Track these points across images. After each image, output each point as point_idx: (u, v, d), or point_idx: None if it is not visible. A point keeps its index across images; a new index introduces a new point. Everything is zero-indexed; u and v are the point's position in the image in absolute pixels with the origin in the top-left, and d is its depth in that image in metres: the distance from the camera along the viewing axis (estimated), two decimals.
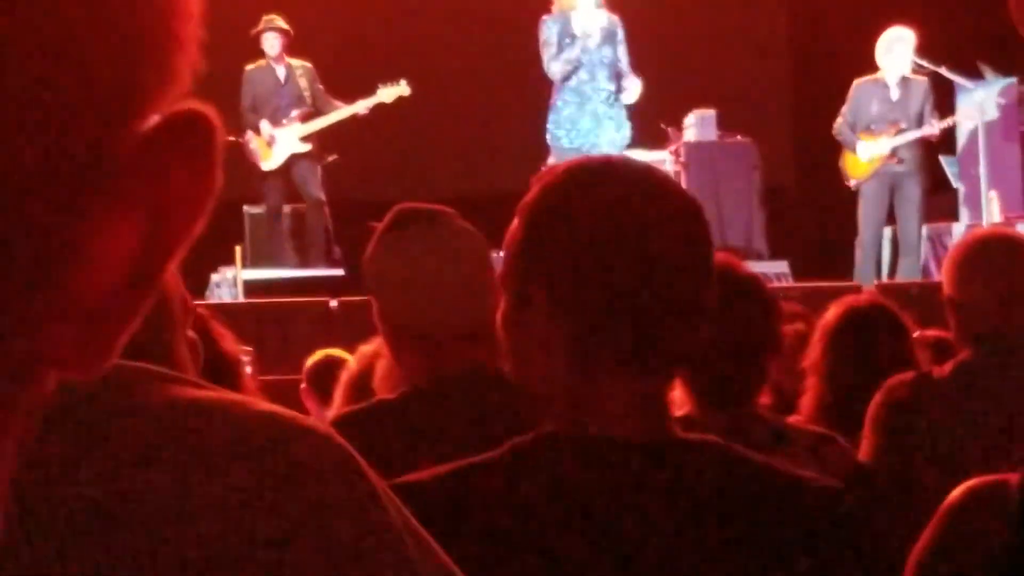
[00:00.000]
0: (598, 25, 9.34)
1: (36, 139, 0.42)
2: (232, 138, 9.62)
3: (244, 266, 10.10)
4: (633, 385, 1.68)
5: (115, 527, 0.66)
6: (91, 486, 0.65)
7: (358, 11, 12.36)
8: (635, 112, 9.61)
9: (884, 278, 9.85)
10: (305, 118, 10.37)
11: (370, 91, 10.37)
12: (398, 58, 11.44)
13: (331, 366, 4.33)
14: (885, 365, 3.53)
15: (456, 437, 2.26)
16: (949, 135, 10.30)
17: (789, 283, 9.31)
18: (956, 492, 1.80)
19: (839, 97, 10.09)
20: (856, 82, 10.01)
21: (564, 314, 1.66)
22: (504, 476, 1.66)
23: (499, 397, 2.40)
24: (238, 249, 10.05)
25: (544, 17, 9.52)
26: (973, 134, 10.52)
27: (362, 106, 10.31)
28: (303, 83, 10.43)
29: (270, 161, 10.34)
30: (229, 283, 9.92)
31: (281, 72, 10.43)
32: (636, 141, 9.65)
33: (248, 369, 4.15)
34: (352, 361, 3.89)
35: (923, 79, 9.96)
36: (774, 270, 9.44)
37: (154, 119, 0.45)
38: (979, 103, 10.43)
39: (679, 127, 10.51)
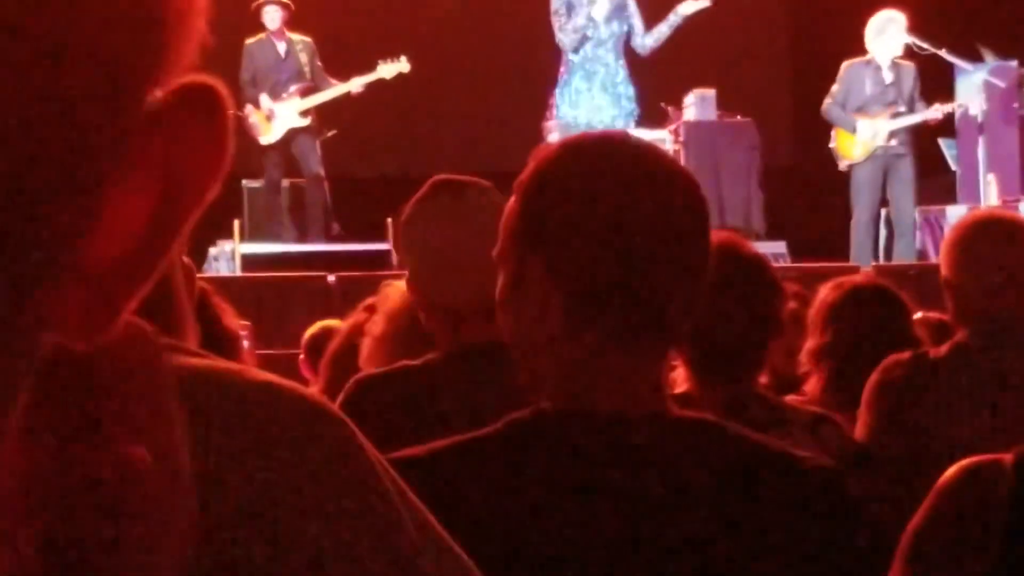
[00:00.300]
0: None
1: (50, 109, 0.42)
2: (231, 112, 9.62)
3: (242, 240, 10.10)
4: (629, 360, 1.68)
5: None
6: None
7: None
8: (637, 82, 9.60)
9: (880, 259, 9.85)
10: (304, 93, 10.36)
11: (370, 67, 10.35)
12: (399, 33, 11.43)
13: (329, 337, 4.34)
14: (889, 345, 3.53)
15: (475, 407, 2.27)
16: (948, 117, 10.29)
17: (787, 263, 9.32)
18: (951, 471, 1.81)
19: None
20: (846, 63, 9.99)
21: (560, 289, 1.66)
22: (501, 451, 1.66)
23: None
24: (236, 223, 10.04)
25: None
26: (972, 117, 10.51)
27: (357, 83, 10.28)
28: (303, 58, 10.41)
29: (269, 135, 10.33)
30: (227, 257, 9.92)
31: (281, 47, 10.41)
32: (636, 119, 9.64)
33: (246, 344, 4.15)
34: (338, 333, 3.91)
35: (911, 63, 9.94)
36: (772, 250, 9.44)
37: (165, 90, 0.46)
38: (979, 86, 10.41)
39: (679, 106, 10.49)
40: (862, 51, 9.97)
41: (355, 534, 0.72)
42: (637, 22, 9.54)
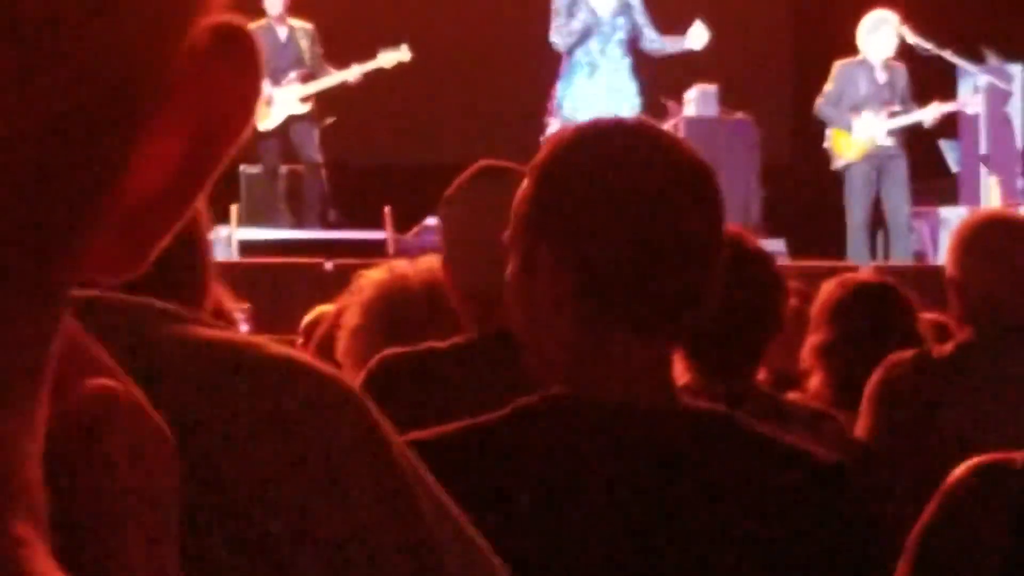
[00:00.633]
0: None
1: (82, 51, 0.42)
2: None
3: (239, 225, 10.10)
4: (639, 349, 1.67)
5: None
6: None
7: None
8: (642, 78, 9.60)
9: (878, 259, 9.86)
10: (304, 79, 10.34)
11: (371, 55, 10.34)
12: (401, 21, 11.42)
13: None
14: (895, 343, 3.52)
15: (499, 392, 2.27)
16: (948, 119, 10.29)
17: (786, 261, 9.32)
18: (960, 470, 1.80)
19: None
20: (839, 63, 9.99)
21: (571, 275, 1.65)
22: (509, 437, 1.65)
23: None
24: (234, 208, 10.04)
25: None
26: (974, 119, 10.51)
27: (357, 71, 10.27)
28: (304, 44, 10.39)
29: (268, 121, 10.31)
30: (224, 242, 9.91)
31: (282, 32, 10.39)
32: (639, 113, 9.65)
33: (244, 327, 4.14)
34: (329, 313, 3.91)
35: (902, 64, 9.95)
36: (770, 248, 9.39)
37: (198, 31, 0.45)
38: (981, 88, 10.42)
39: (680, 101, 10.48)
40: None
41: (372, 517, 0.71)
42: (642, 19, 9.52)
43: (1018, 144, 10.60)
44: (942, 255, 9.49)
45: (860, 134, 9.86)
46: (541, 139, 9.60)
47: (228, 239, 9.92)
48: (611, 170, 1.65)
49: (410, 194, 9.69)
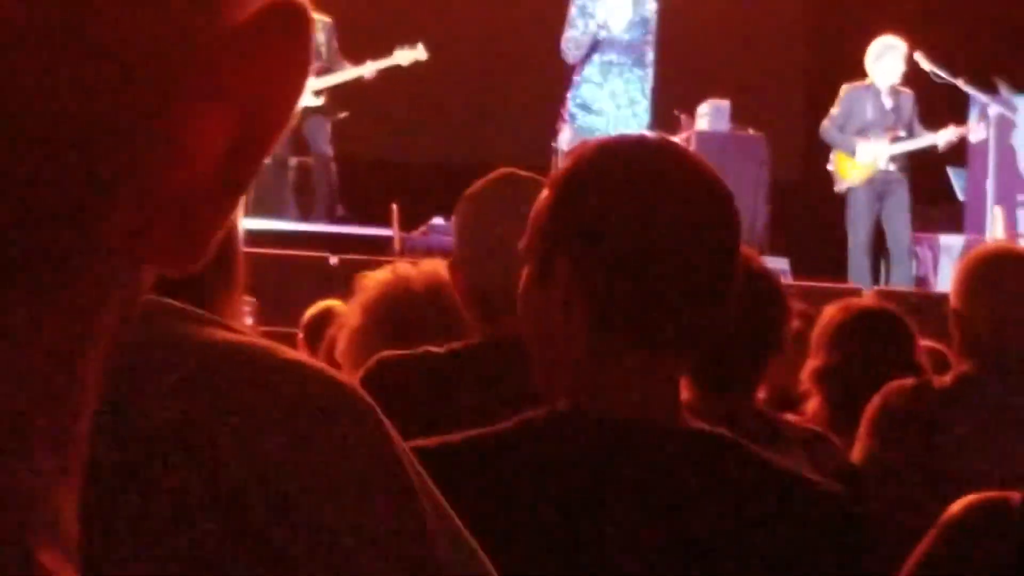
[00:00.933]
0: (629, 5, 9.26)
1: (129, 27, 0.41)
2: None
3: (245, 215, 10.07)
4: (650, 368, 1.67)
5: (129, 451, 0.67)
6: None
7: None
8: (649, 101, 9.58)
9: (880, 284, 9.85)
10: (319, 72, 10.33)
11: (387, 52, 10.32)
12: (418, 20, 11.40)
13: (330, 318, 4.31)
14: (893, 370, 3.53)
15: (494, 400, 2.26)
16: (956, 147, 10.29)
17: (789, 281, 9.30)
18: (957, 506, 1.80)
19: None
20: (846, 87, 10.00)
21: (587, 289, 1.66)
22: (515, 450, 1.65)
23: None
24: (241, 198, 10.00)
25: None
26: (983, 148, 10.51)
27: (372, 68, 10.25)
28: (321, 38, 10.38)
29: None
30: None
31: None
32: (648, 126, 9.62)
33: (249, 320, 4.14)
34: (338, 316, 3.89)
35: (909, 90, 9.96)
36: (774, 267, 9.40)
37: (248, 8, 0.44)
38: (992, 118, 10.42)
39: (692, 115, 10.48)
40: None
41: (373, 520, 0.72)
42: (651, 37, 9.46)
43: (1022, 175, 10.60)
44: (943, 282, 9.50)
45: (863, 158, 9.87)
46: (553, 144, 9.60)
47: None
48: (632, 188, 1.66)
49: (418, 193, 9.70)
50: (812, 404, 3.73)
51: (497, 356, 2.54)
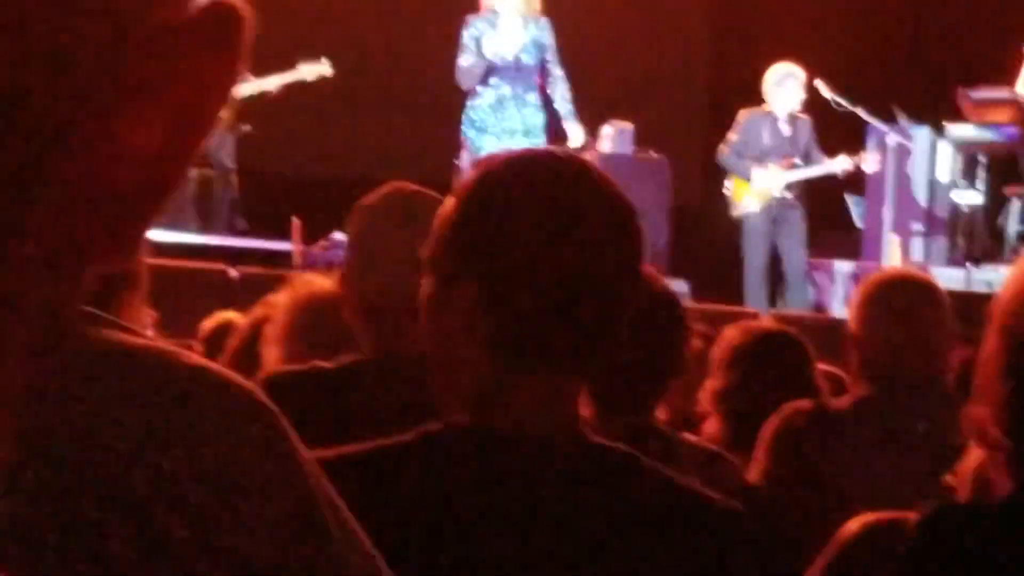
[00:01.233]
0: (520, 31, 9.27)
1: (60, 27, 0.41)
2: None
3: None
4: (550, 384, 1.67)
5: (34, 456, 0.66)
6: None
7: None
8: (550, 116, 9.60)
9: (776, 308, 9.95)
10: None
11: (291, 66, 10.28)
12: (322, 34, 11.38)
13: (228, 330, 4.28)
14: (791, 392, 3.56)
15: (382, 416, 2.25)
16: (854, 175, 10.42)
17: (689, 304, 9.35)
18: (851, 526, 1.82)
19: None
20: (744, 112, 10.10)
21: (488, 306, 1.65)
22: (415, 464, 1.64)
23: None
24: None
25: (468, 16, 9.41)
26: (881, 176, 10.66)
27: (276, 82, 10.20)
28: None
29: None
30: None
31: None
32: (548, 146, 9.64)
33: (150, 332, 4.09)
34: (243, 324, 3.86)
35: (807, 117, 10.07)
36: (674, 289, 9.46)
37: (184, 8, 0.45)
38: (890, 147, 10.57)
39: (595, 136, 10.51)
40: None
41: (276, 527, 0.72)
42: (552, 58, 9.48)
43: (918, 204, 10.76)
44: (839, 307, 9.62)
45: (759, 184, 9.98)
46: (456, 161, 9.61)
47: None
48: (536, 201, 1.66)
49: (319, 207, 9.65)
50: (711, 424, 3.75)
51: (387, 371, 2.53)
